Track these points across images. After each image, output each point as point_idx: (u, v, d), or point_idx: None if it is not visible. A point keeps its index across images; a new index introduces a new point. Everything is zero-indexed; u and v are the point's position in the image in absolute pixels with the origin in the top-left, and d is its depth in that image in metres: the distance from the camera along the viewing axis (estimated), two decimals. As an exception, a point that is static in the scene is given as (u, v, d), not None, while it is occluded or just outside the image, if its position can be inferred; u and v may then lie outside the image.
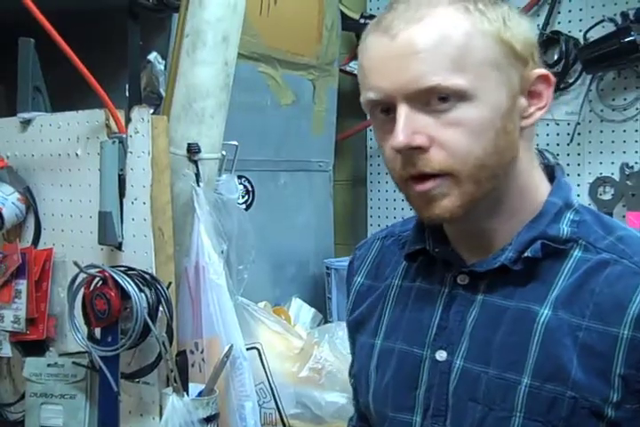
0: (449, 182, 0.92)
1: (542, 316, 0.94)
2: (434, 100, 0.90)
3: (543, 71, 0.96)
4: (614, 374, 0.90)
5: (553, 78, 0.97)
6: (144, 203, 1.56)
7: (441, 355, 1.00)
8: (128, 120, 1.59)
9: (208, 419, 1.51)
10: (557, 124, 2.40)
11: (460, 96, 0.90)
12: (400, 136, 0.90)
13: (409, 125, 0.90)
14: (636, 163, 2.25)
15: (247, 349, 1.63)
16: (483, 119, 0.91)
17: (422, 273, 1.07)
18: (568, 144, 2.38)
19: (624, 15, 2.17)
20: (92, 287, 1.52)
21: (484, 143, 0.91)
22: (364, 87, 0.96)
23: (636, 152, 2.25)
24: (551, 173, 1.03)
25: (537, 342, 0.93)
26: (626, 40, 2.13)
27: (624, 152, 2.28)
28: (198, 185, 1.63)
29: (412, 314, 1.05)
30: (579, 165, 2.37)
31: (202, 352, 1.60)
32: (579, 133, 2.36)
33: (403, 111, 0.91)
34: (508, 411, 0.93)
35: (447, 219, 0.95)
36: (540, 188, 1.00)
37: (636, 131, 2.26)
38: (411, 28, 0.90)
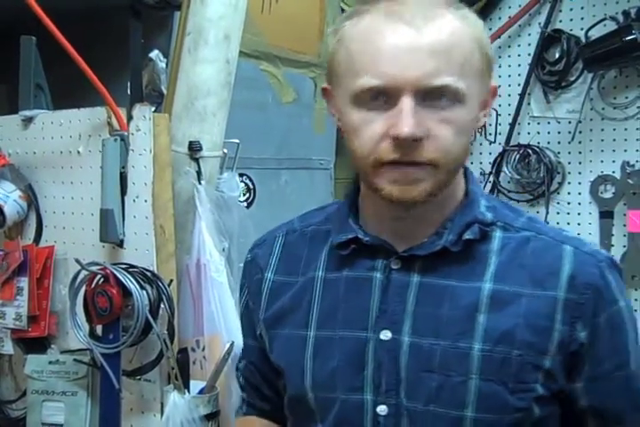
0: (429, 170, 1.01)
1: (485, 289, 1.05)
2: (436, 97, 0.98)
3: (495, 85, 1.08)
4: (553, 329, 1.03)
5: (497, 90, 1.10)
6: (145, 200, 1.57)
7: (386, 335, 1.07)
8: (130, 118, 1.59)
9: (209, 416, 1.51)
10: (559, 123, 2.41)
11: (458, 98, 0.99)
12: (406, 126, 0.96)
13: (415, 116, 0.97)
14: (637, 161, 2.25)
15: (248, 346, 1.62)
16: (467, 121, 1.01)
17: (348, 263, 1.12)
18: (569, 142, 2.38)
19: (625, 14, 2.17)
20: (93, 285, 1.52)
21: (463, 141, 1.02)
22: (366, 72, 0.99)
23: (637, 150, 2.25)
24: None
25: (483, 312, 1.04)
26: (627, 38, 2.13)
27: (625, 150, 2.28)
28: (200, 183, 1.63)
29: (348, 302, 1.11)
30: (580, 163, 2.37)
31: (203, 350, 1.60)
32: (580, 132, 2.36)
33: (409, 102, 0.97)
34: (465, 375, 1.03)
35: (419, 201, 1.03)
36: (461, 179, 1.12)
37: (638, 129, 2.26)
38: (432, 25, 0.97)
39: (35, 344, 1.74)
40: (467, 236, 1.06)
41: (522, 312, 1.03)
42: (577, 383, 1.06)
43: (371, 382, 1.07)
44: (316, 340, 1.12)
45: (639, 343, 1.10)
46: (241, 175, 2.07)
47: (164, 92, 1.85)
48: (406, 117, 0.96)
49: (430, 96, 0.98)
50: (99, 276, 1.52)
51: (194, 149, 1.63)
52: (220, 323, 1.58)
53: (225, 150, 1.71)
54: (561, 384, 1.05)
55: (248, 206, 2.15)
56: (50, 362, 1.67)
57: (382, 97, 0.99)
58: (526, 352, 1.02)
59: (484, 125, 2.51)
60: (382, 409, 1.07)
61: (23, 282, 1.72)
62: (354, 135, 1.03)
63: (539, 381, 1.03)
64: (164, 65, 1.92)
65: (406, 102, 0.97)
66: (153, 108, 1.62)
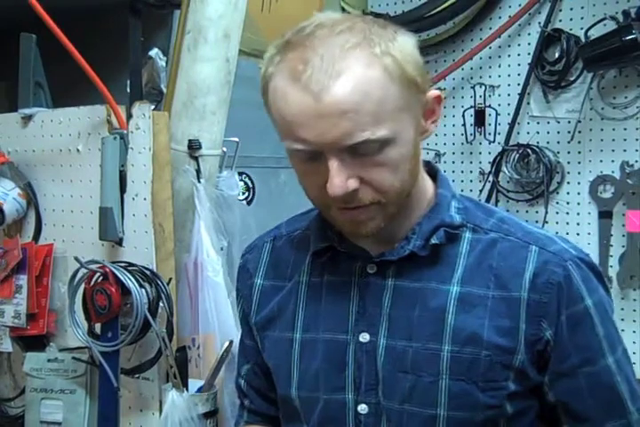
0: (375, 208, 1.03)
1: (452, 292, 1.08)
2: (360, 149, 0.99)
3: (437, 93, 1.07)
4: (518, 329, 1.05)
5: (443, 96, 1.09)
6: (145, 199, 1.57)
7: (364, 337, 1.10)
8: (129, 116, 1.59)
9: (208, 414, 1.52)
10: (558, 123, 2.41)
11: (383, 143, 0.99)
12: (336, 186, 0.99)
13: (342, 174, 0.99)
14: (637, 161, 2.25)
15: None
16: (401, 156, 1.02)
17: (329, 268, 1.16)
18: (569, 142, 2.38)
19: (625, 13, 2.17)
20: (92, 283, 1.52)
21: (403, 175, 1.03)
22: (287, 136, 1.02)
23: (637, 150, 2.25)
24: (430, 168, 1.16)
25: (452, 315, 1.07)
26: (627, 38, 2.13)
27: (624, 150, 2.28)
28: (199, 181, 1.63)
29: (329, 306, 1.14)
30: (579, 163, 2.37)
31: (198, 348, 1.60)
32: (579, 132, 2.36)
33: (335, 163, 0.99)
34: (435, 375, 1.06)
35: (373, 235, 1.07)
36: (428, 183, 1.14)
37: (637, 129, 2.26)
38: (332, 87, 0.95)
39: (33, 342, 1.74)
40: (433, 241, 1.08)
41: (488, 314, 1.06)
42: (545, 378, 1.09)
43: (352, 382, 1.11)
44: (302, 342, 1.16)
45: (618, 340, 1.11)
46: (240, 174, 2.07)
47: (164, 90, 1.85)
48: (333, 178, 0.99)
49: (354, 150, 0.99)
50: (98, 274, 1.52)
51: (193, 147, 1.63)
52: (215, 322, 1.59)
53: (224, 149, 1.71)
54: (534, 380, 1.08)
55: (247, 205, 2.15)
56: (48, 360, 1.67)
57: (312, 156, 1.01)
58: (494, 352, 1.05)
59: (484, 125, 2.52)
60: (363, 408, 1.11)
61: (22, 280, 1.72)
62: (300, 179, 1.07)
63: (510, 378, 1.06)
64: (163, 63, 1.92)
65: (331, 163, 0.99)
66: (152, 107, 1.62)
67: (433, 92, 1.06)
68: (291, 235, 1.25)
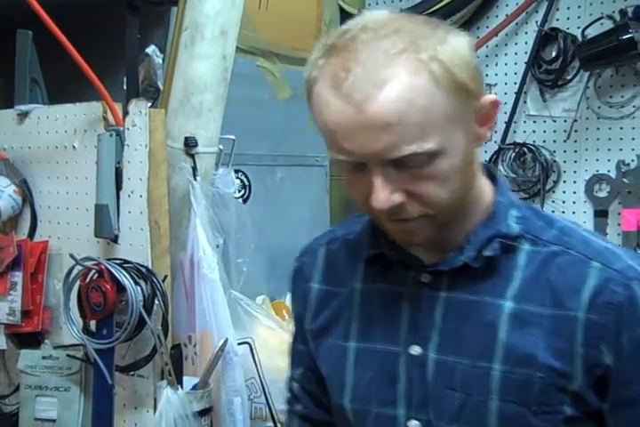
0: (427, 220, 0.98)
1: (506, 308, 1.01)
2: (406, 161, 0.93)
3: (493, 98, 1.00)
4: (575, 352, 0.98)
5: (499, 101, 1.01)
6: (140, 196, 1.56)
7: (415, 349, 1.05)
8: (125, 113, 1.59)
9: (202, 412, 1.52)
10: (554, 121, 2.41)
11: (430, 155, 0.93)
12: (380, 200, 0.94)
13: (386, 187, 0.94)
14: (633, 160, 2.25)
15: (239, 344, 1.63)
16: (451, 167, 0.96)
17: (382, 275, 1.11)
18: (565, 141, 2.38)
19: (622, 13, 2.17)
20: (87, 280, 1.52)
21: (452, 186, 0.97)
22: (331, 146, 0.97)
23: (633, 149, 2.26)
24: (488, 170, 1.09)
25: (504, 332, 1.00)
26: (624, 37, 2.13)
27: (620, 149, 2.28)
28: (195, 179, 1.63)
29: (382, 315, 1.09)
30: (575, 162, 2.38)
31: (194, 346, 1.60)
32: (575, 130, 2.36)
33: (378, 176, 0.94)
34: (485, 395, 1.00)
35: (424, 245, 1.03)
36: (486, 188, 1.07)
37: (633, 128, 2.26)
38: (375, 98, 0.90)
39: (28, 339, 1.73)
40: (486, 253, 1.02)
41: (543, 333, 0.99)
42: (605, 404, 1.01)
43: (403, 396, 1.06)
44: (356, 351, 1.11)
45: None
46: (236, 171, 2.07)
47: (161, 87, 1.85)
48: (377, 192, 0.94)
49: (400, 163, 0.93)
50: (93, 271, 1.52)
51: (189, 144, 1.63)
52: (211, 319, 1.59)
53: (221, 146, 1.70)
54: (594, 406, 1.00)
55: (243, 203, 2.15)
56: (43, 357, 1.67)
57: (357, 166, 0.96)
58: (548, 375, 0.98)
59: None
60: (414, 424, 1.05)
61: (17, 277, 1.72)
62: (347, 187, 1.02)
63: (565, 402, 0.99)
64: (160, 60, 1.91)
65: (375, 175, 0.94)
66: (149, 104, 1.62)
67: (488, 97, 0.99)
68: (346, 238, 1.19)
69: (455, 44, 0.94)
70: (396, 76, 0.90)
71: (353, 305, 1.13)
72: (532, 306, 1.00)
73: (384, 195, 0.94)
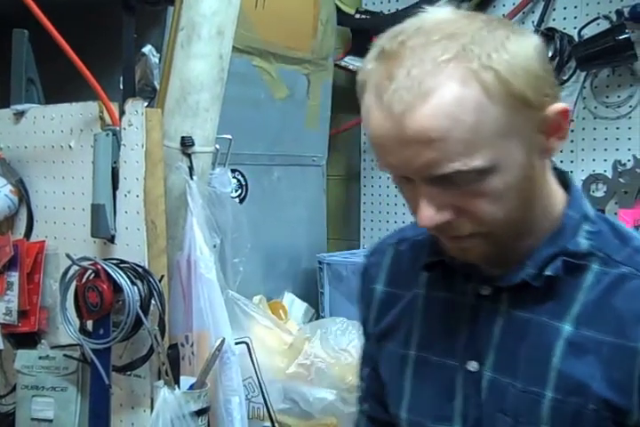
0: (481, 238, 0.92)
1: (564, 332, 0.94)
2: (453, 178, 0.87)
3: (560, 107, 0.91)
4: (634, 386, 0.90)
5: (570, 110, 0.93)
6: (137, 196, 1.56)
7: (473, 366, 1.00)
8: (122, 113, 1.59)
9: (199, 412, 1.51)
10: (551, 121, 2.41)
11: (480, 172, 0.86)
12: (424, 218, 0.89)
13: (432, 204, 0.89)
14: (629, 160, 2.25)
15: (236, 343, 1.63)
16: (506, 184, 0.88)
17: (443, 283, 1.05)
18: (561, 141, 2.38)
19: (619, 13, 2.17)
20: (84, 280, 1.52)
21: (508, 204, 0.90)
22: (378, 159, 0.91)
23: (629, 149, 2.26)
24: (563, 179, 1.02)
25: (559, 358, 0.93)
26: (620, 38, 2.13)
27: (617, 149, 2.28)
28: (192, 178, 1.63)
29: (442, 325, 1.05)
30: (572, 162, 2.37)
31: (192, 346, 1.60)
32: (572, 130, 2.36)
33: (423, 193, 0.89)
34: (535, 424, 0.94)
35: (480, 262, 0.98)
36: (558, 200, 0.99)
37: (630, 128, 2.26)
38: (416, 111, 0.83)
39: (25, 339, 1.73)
40: (547, 272, 0.94)
41: (600, 363, 0.91)
42: None
43: (459, 413, 1.01)
44: (416, 361, 1.07)
45: None
46: (233, 171, 2.07)
47: (157, 87, 1.85)
48: (422, 209, 0.89)
49: (447, 179, 0.87)
50: (89, 271, 1.51)
51: (186, 144, 1.63)
52: (209, 319, 1.58)
53: (217, 146, 1.70)
54: None
55: (240, 202, 2.15)
56: (40, 357, 1.67)
57: (406, 179, 0.91)
58: (602, 407, 0.91)
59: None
60: None
61: (13, 277, 1.71)
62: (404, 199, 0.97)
63: None
64: (156, 60, 1.91)
65: (420, 191, 0.89)
66: (145, 103, 1.61)
67: (555, 107, 0.90)
68: (415, 239, 1.13)
69: (514, 50, 0.86)
70: (442, 86, 0.83)
71: (415, 311, 1.08)
72: (593, 332, 0.93)
73: (429, 213, 0.89)
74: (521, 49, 0.87)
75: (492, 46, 0.85)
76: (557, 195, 0.99)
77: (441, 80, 0.83)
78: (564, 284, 0.95)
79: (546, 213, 0.97)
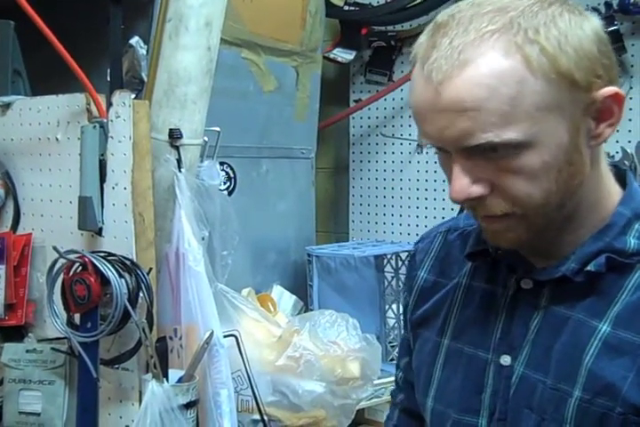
0: (515, 220, 0.91)
1: (600, 331, 0.92)
2: (488, 151, 0.87)
3: (611, 91, 0.89)
4: None
5: (622, 95, 0.90)
6: (125, 188, 1.55)
7: (505, 360, 0.99)
8: (109, 105, 1.58)
9: (187, 405, 1.51)
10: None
11: (515, 146, 0.85)
12: (456, 191, 0.88)
13: (465, 176, 0.88)
14: (617, 152, 2.25)
15: (225, 336, 1.62)
16: (544, 163, 0.87)
17: (487, 273, 1.04)
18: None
19: (607, 4, 2.18)
20: (71, 273, 1.51)
21: (546, 185, 0.88)
22: (418, 128, 0.91)
23: (617, 142, 2.26)
24: (622, 177, 1.00)
25: (591, 356, 0.91)
26: (609, 30, 2.13)
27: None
28: (180, 171, 1.62)
29: (478, 316, 1.04)
30: (560, 154, 2.38)
31: (180, 338, 1.59)
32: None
33: (457, 163, 0.88)
34: (559, 422, 0.92)
35: (515, 248, 0.96)
36: (611, 196, 0.97)
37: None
38: (454, 80, 0.84)
39: (12, 333, 1.72)
40: (590, 267, 0.92)
41: (634, 366, 0.89)
42: None
43: (487, 406, 1.00)
44: (448, 350, 1.06)
45: None
46: (221, 164, 2.06)
47: (145, 78, 1.84)
48: (454, 181, 0.88)
49: (482, 152, 0.86)
50: (77, 264, 1.51)
51: (174, 136, 1.62)
52: (197, 312, 1.58)
53: (205, 138, 1.70)
54: None
55: (229, 195, 2.14)
56: (27, 351, 1.66)
57: (443, 150, 0.91)
58: (631, 412, 0.88)
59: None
60: None
61: (0, 270, 1.70)
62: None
63: None
64: (144, 51, 1.90)
65: (455, 162, 0.88)
66: (133, 95, 1.60)
67: (606, 90, 0.88)
68: (466, 228, 1.11)
69: (565, 27, 0.85)
70: (481, 56, 0.83)
71: (454, 300, 1.07)
72: (630, 334, 0.90)
73: (460, 184, 0.88)
74: (573, 27, 0.85)
75: (541, 22, 0.84)
76: (612, 191, 0.97)
77: (481, 51, 0.83)
78: (606, 282, 0.93)
79: (596, 207, 0.95)
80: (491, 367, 1.00)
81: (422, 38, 0.90)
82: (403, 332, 1.21)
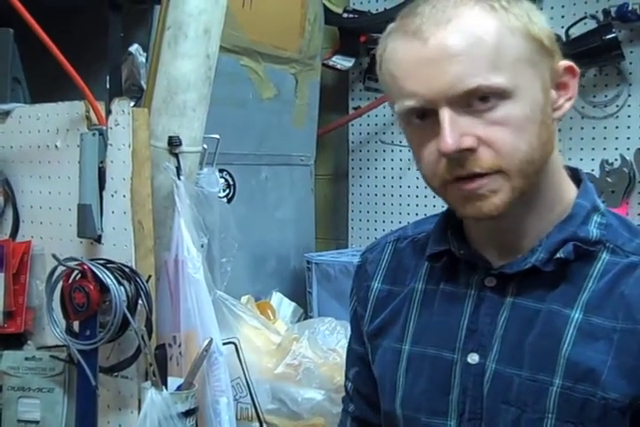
0: (499, 179, 0.93)
1: (574, 319, 0.94)
2: (475, 101, 0.91)
3: (568, 63, 0.98)
4: None
5: (577, 69, 0.98)
6: (124, 196, 1.55)
7: (473, 358, 1.00)
8: (108, 112, 1.58)
9: (187, 413, 1.50)
10: (538, 121, 2.41)
11: (501, 95, 0.91)
12: (449, 140, 0.90)
13: (455, 128, 0.91)
14: (616, 160, 2.26)
15: (224, 344, 1.62)
16: (525, 115, 0.92)
17: (446, 275, 1.06)
18: (549, 140, 2.39)
19: (606, 12, 2.19)
20: (70, 280, 1.51)
21: (529, 138, 0.93)
22: (398, 95, 0.95)
23: (616, 149, 2.27)
24: (575, 175, 1.05)
25: (569, 344, 0.94)
26: (607, 37, 2.14)
27: (604, 149, 2.29)
28: (179, 178, 1.62)
29: (440, 318, 1.05)
30: (559, 161, 2.38)
31: (179, 346, 1.59)
32: (559, 130, 2.35)
33: (446, 115, 0.91)
34: (541, 413, 0.94)
35: (494, 216, 0.96)
36: (568, 189, 1.02)
37: (617, 128, 2.27)
38: (441, 31, 0.91)
39: (11, 340, 1.72)
40: (559, 254, 0.95)
41: (611, 349, 0.92)
42: None
43: (455, 407, 1.01)
44: (410, 355, 1.07)
45: None
46: (221, 171, 2.06)
47: (144, 86, 1.84)
48: (445, 131, 0.91)
49: (467, 102, 0.91)
50: (76, 271, 1.50)
51: (173, 144, 1.62)
52: (196, 320, 1.58)
53: (205, 146, 1.70)
54: None
55: (228, 202, 2.15)
56: (26, 358, 1.66)
57: (426, 115, 0.94)
58: (612, 396, 0.91)
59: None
60: None
61: (-1, 277, 1.71)
62: (417, 158, 0.98)
63: None
64: (143, 59, 1.91)
65: (443, 115, 0.91)
66: (132, 103, 1.61)
67: (564, 62, 0.97)
68: (416, 237, 1.14)
69: (529, 7, 0.95)
70: (464, 13, 0.92)
71: (412, 306, 1.08)
72: (602, 319, 0.93)
73: (452, 135, 0.90)
74: (534, 9, 0.96)
75: (510, 1, 0.94)
76: (569, 186, 1.02)
77: (463, 10, 0.92)
78: (572, 271, 0.97)
79: (557, 197, 1.00)
80: (457, 367, 1.01)
81: (389, 28, 0.97)
82: (350, 343, 1.22)
